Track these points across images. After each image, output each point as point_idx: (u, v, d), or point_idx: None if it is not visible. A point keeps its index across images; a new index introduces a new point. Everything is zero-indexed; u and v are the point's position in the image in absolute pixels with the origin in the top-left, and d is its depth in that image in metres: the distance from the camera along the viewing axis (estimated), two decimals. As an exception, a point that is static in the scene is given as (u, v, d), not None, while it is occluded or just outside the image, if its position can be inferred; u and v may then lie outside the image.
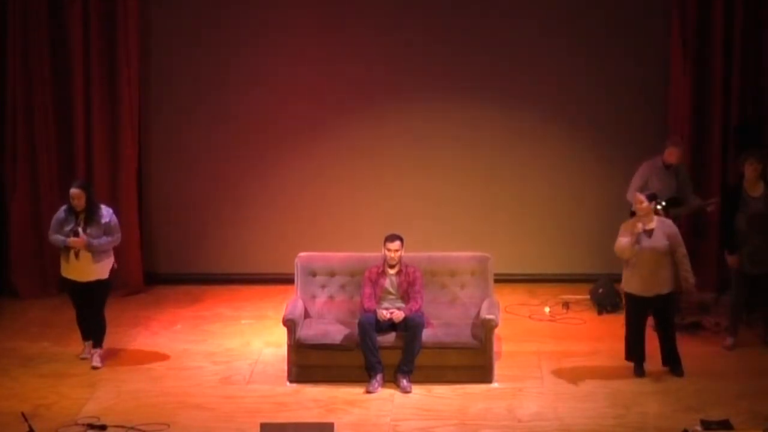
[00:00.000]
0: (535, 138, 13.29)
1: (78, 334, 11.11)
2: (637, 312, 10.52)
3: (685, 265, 10.44)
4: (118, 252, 13.02)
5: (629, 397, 10.08)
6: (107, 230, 10.73)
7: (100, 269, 10.76)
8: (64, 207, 10.78)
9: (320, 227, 13.37)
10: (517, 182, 13.38)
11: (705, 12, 12.62)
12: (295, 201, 13.47)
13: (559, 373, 10.66)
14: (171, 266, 13.61)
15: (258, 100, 13.33)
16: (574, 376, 10.58)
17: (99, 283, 10.79)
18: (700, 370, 10.55)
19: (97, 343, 10.90)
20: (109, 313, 12.03)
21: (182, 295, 13.05)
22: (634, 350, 10.54)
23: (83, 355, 10.99)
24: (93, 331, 10.90)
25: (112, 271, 10.90)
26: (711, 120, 12.77)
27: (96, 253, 10.67)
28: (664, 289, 10.43)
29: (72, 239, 10.60)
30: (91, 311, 10.88)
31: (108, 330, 11.05)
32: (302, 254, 11.15)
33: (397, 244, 10.60)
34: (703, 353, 10.83)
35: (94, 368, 10.76)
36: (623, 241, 10.38)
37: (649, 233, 10.36)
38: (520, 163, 13.35)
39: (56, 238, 10.69)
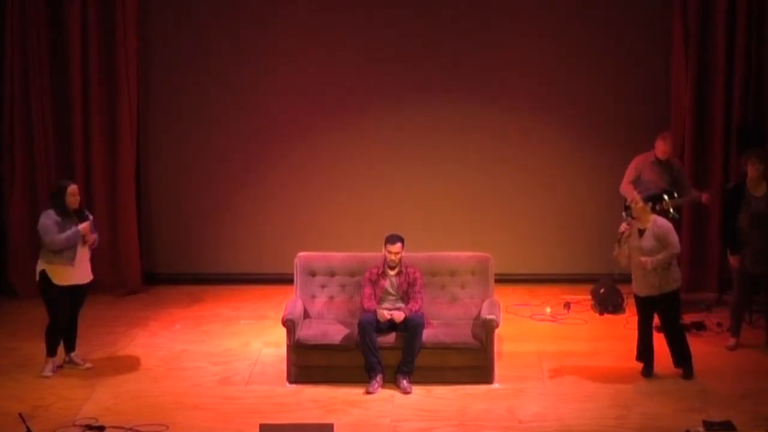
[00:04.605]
0: (536, 138, 13.28)
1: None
2: (641, 312, 10.53)
3: (662, 258, 10.19)
4: (118, 252, 13.08)
5: (631, 398, 10.05)
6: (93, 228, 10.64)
7: (91, 269, 10.69)
8: (51, 211, 10.40)
9: (320, 227, 13.35)
10: (518, 182, 13.36)
11: (706, 11, 12.59)
12: (295, 201, 13.45)
13: (560, 374, 10.62)
14: (171, 266, 13.60)
15: (257, 100, 13.31)
16: (575, 376, 10.55)
17: (90, 284, 10.68)
18: (702, 371, 10.51)
19: (73, 346, 10.80)
20: (109, 313, 12.05)
21: (182, 295, 13.03)
22: (643, 350, 10.51)
23: (57, 366, 10.68)
24: (74, 335, 10.74)
25: None
26: (712, 119, 12.73)
27: (90, 251, 10.56)
28: (654, 290, 10.35)
29: (84, 225, 10.38)
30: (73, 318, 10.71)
31: (107, 330, 10.96)
32: (302, 254, 11.12)
33: (398, 246, 10.54)
34: (706, 353, 10.79)
35: (88, 368, 10.70)
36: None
37: (641, 233, 10.32)
38: (521, 162, 13.33)
39: (68, 234, 10.32)
